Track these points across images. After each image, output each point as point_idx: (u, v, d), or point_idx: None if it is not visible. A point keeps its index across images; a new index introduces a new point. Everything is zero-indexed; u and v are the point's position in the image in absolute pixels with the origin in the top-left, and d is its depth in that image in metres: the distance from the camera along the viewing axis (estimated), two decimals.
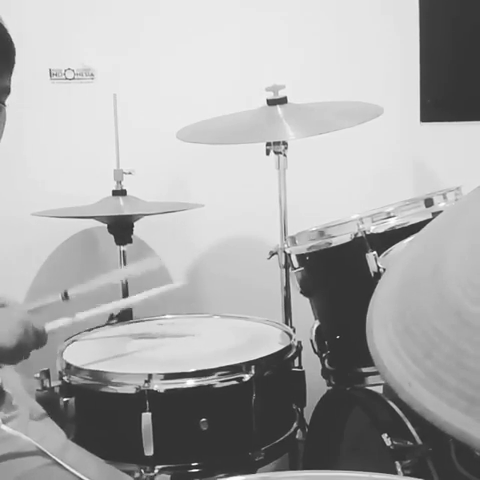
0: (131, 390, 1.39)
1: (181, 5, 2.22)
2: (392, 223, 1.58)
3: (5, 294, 1.36)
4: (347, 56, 2.35)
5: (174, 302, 1.78)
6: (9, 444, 1.13)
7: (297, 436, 1.58)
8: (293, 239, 1.72)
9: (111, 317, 1.77)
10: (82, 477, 1.10)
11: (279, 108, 1.87)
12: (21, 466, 1.12)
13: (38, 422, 1.26)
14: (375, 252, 1.52)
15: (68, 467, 1.11)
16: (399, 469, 1.33)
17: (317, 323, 1.77)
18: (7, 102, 1.19)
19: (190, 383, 1.41)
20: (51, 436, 1.22)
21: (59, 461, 1.12)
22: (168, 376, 1.41)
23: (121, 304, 1.68)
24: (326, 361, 1.76)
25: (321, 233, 1.65)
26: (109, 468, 1.28)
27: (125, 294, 1.97)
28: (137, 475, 1.39)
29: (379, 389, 1.58)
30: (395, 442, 1.36)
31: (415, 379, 0.49)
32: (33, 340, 1.28)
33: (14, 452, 1.12)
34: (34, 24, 2.09)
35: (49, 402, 1.41)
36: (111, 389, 1.43)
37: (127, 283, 1.96)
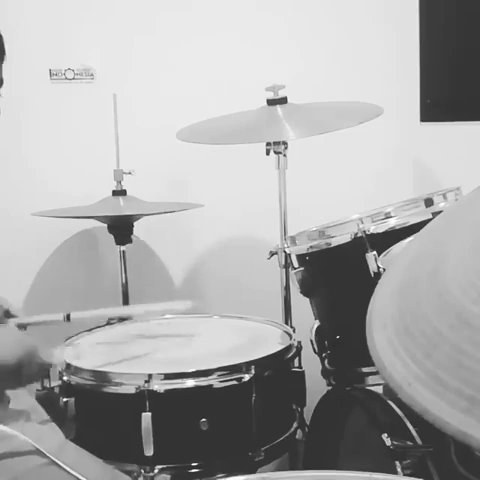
0: (131, 390, 1.39)
1: (181, 5, 2.22)
2: (392, 223, 1.58)
3: (6, 298, 1.35)
4: (347, 56, 2.35)
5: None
6: (6, 443, 1.13)
7: (297, 436, 1.58)
8: (293, 239, 1.72)
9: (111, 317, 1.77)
10: (79, 477, 1.10)
11: (279, 108, 1.87)
12: (18, 465, 1.11)
13: (36, 422, 1.26)
14: (375, 252, 1.52)
15: (65, 467, 1.11)
16: (399, 469, 1.33)
17: (317, 323, 1.77)
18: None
19: (190, 383, 1.41)
20: (48, 436, 1.22)
21: (56, 461, 1.11)
22: (168, 376, 1.41)
23: (121, 312, 1.69)
24: (326, 361, 1.76)
25: (321, 233, 1.65)
26: (107, 468, 1.27)
27: (125, 300, 1.98)
28: (136, 474, 1.39)
29: (379, 389, 1.58)
30: (395, 442, 1.36)
31: (415, 379, 0.48)
32: (35, 368, 1.21)
33: (11, 451, 1.12)
34: (34, 24, 2.09)
35: (49, 402, 1.41)
36: (111, 389, 1.43)
37: (127, 288, 1.97)
